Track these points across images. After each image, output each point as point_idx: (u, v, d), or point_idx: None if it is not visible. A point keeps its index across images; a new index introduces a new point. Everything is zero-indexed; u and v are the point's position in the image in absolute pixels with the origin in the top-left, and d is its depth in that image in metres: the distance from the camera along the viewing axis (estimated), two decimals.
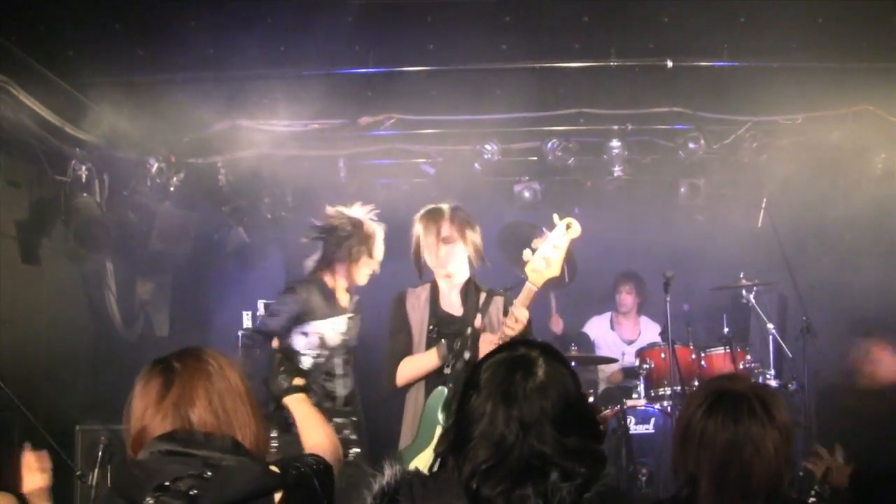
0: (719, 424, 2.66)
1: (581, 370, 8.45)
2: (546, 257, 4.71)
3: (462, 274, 5.34)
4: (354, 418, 6.01)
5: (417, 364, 5.24)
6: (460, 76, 7.43)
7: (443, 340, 5.16)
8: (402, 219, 8.83)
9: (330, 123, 8.20)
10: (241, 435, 2.69)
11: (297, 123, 8.10)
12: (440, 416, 5.00)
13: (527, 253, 4.82)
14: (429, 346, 5.26)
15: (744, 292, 8.30)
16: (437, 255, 5.30)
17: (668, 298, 7.70)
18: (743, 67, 7.24)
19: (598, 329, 9.37)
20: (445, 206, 5.50)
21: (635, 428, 7.76)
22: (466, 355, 5.09)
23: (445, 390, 5.06)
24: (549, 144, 8.50)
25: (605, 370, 9.00)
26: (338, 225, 6.03)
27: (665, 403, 7.87)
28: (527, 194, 9.19)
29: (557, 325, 9.19)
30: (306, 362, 5.88)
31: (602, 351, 9.07)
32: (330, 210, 6.15)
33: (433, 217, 5.43)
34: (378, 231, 6.10)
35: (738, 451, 2.62)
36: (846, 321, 9.07)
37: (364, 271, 6.01)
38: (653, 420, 7.80)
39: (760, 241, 9.16)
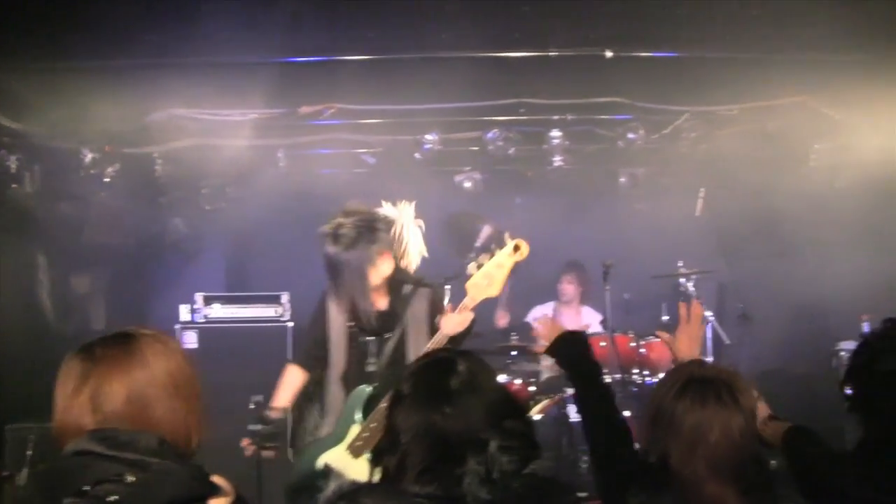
0: (687, 408, 2.73)
1: (522, 359, 8.47)
2: (489, 274, 4.86)
3: (384, 268, 5.26)
4: None
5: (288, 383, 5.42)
6: (401, 65, 7.38)
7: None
8: (341, 208, 8.85)
9: (269, 113, 8.11)
10: (169, 433, 2.46)
11: (236, 112, 8.01)
12: (357, 416, 4.97)
13: (471, 267, 4.98)
14: (348, 342, 5.27)
15: (683, 280, 8.36)
16: None
17: (608, 287, 7.76)
18: (682, 58, 7.28)
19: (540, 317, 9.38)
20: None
21: (575, 416, 7.77)
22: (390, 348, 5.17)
23: (368, 390, 5.05)
24: (490, 134, 8.49)
25: (547, 359, 9.01)
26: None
27: None
28: (468, 184, 9.19)
29: (504, 320, 9.21)
30: None
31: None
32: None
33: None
34: (405, 228, 5.73)
35: (704, 434, 2.70)
36: (783, 308, 9.20)
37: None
38: None
39: (699, 229, 9.26)
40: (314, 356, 5.45)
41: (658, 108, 8.25)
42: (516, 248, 4.87)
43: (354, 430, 4.91)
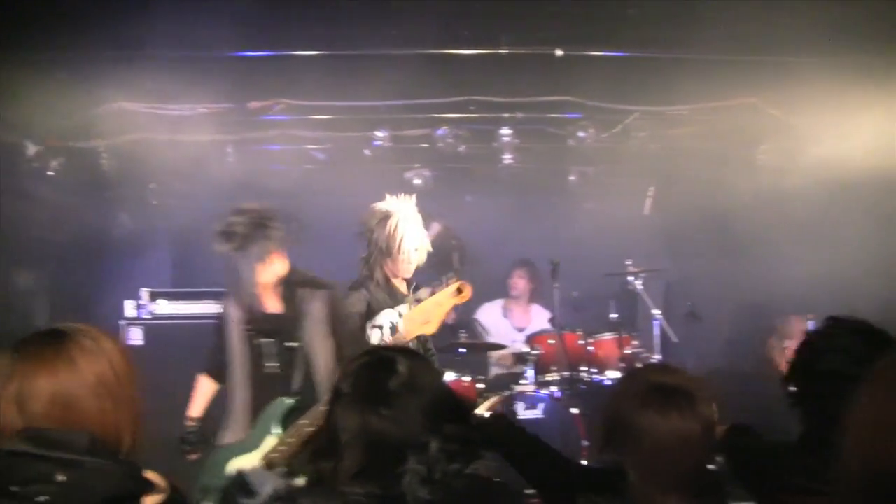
0: (649, 419, 2.71)
1: (471, 356, 8.48)
2: (427, 311, 4.89)
3: (278, 268, 5.22)
4: None
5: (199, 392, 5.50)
6: (351, 61, 7.35)
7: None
8: (294, 205, 8.80)
9: (218, 108, 8.02)
10: (99, 433, 2.40)
11: (185, 107, 7.92)
12: (275, 429, 4.93)
13: (410, 298, 5.21)
14: (245, 344, 5.23)
15: (631, 279, 8.40)
16: None
17: (557, 285, 7.80)
18: (632, 58, 7.32)
19: (490, 316, 9.37)
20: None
21: (524, 413, 7.77)
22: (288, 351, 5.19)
23: (288, 402, 5.02)
24: (440, 132, 8.48)
25: (496, 356, 9.02)
26: (366, 221, 5.92)
27: (553, 389, 7.93)
28: (418, 181, 9.17)
29: (450, 316, 9.18)
30: None
31: (493, 338, 9.08)
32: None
33: None
34: (401, 224, 5.82)
35: (665, 446, 2.69)
36: (730, 307, 9.27)
37: (403, 266, 5.81)
38: (541, 405, 7.83)
39: (648, 228, 9.30)
40: (218, 361, 5.41)
41: (608, 107, 8.27)
42: (459, 291, 4.89)
43: (270, 441, 4.87)
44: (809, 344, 3.24)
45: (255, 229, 5.06)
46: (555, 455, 3.38)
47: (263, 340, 5.18)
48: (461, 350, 8.20)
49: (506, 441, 3.53)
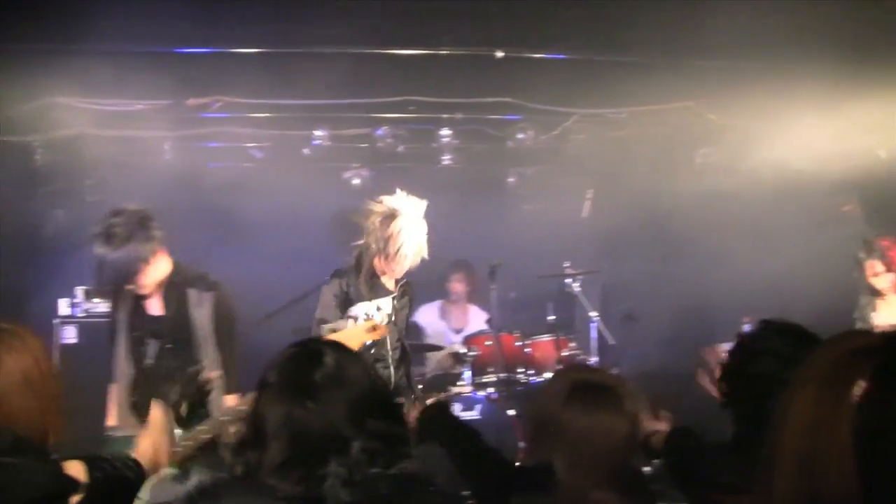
0: (573, 415, 2.75)
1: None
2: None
3: (161, 268, 5.17)
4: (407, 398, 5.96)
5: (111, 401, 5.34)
6: (291, 60, 7.31)
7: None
8: (230, 203, 8.74)
9: (156, 104, 7.93)
10: (24, 431, 2.41)
11: (122, 102, 7.81)
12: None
13: (326, 329, 5.18)
14: (131, 347, 5.17)
15: (569, 281, 8.44)
16: None
17: (495, 286, 7.80)
18: (571, 60, 7.36)
19: (428, 318, 9.37)
20: None
21: (461, 414, 7.78)
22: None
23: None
24: (379, 131, 8.48)
25: (434, 357, 9.03)
26: (369, 214, 5.91)
27: (490, 390, 7.93)
28: (356, 181, 9.16)
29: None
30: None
31: (431, 339, 9.08)
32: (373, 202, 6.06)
33: None
34: (405, 229, 5.84)
35: (590, 441, 2.72)
36: (667, 309, 9.36)
37: (397, 267, 5.87)
38: (478, 407, 7.84)
39: (586, 230, 9.35)
40: (116, 367, 5.34)
41: (547, 109, 8.31)
42: (374, 329, 4.99)
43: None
44: (741, 346, 3.28)
45: (135, 230, 4.98)
46: (494, 453, 3.40)
47: (149, 341, 5.10)
48: None
49: (446, 433, 3.55)
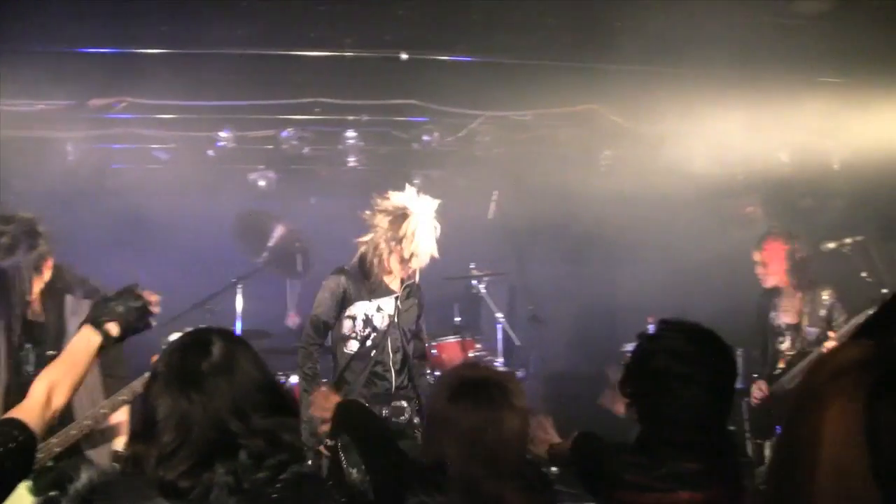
0: (462, 411, 2.78)
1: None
2: None
3: (47, 275, 4.94)
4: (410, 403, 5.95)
5: None
6: (195, 61, 7.23)
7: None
8: (134, 205, 8.61)
9: (57, 104, 7.77)
10: None
11: (22, 103, 7.63)
12: None
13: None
14: (9, 354, 4.87)
15: (475, 282, 8.47)
16: None
17: None
18: (477, 63, 7.40)
19: None
20: None
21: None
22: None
23: None
24: (285, 133, 8.43)
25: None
26: (380, 212, 6.02)
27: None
28: (262, 183, 9.10)
29: (294, 319, 9.12)
30: (353, 346, 5.96)
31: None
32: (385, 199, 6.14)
33: None
34: (420, 230, 5.90)
35: (479, 435, 2.75)
36: (573, 310, 9.46)
37: (406, 266, 5.95)
38: None
39: (492, 232, 9.40)
40: None
41: (453, 111, 8.34)
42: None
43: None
44: (641, 346, 3.34)
45: (24, 238, 4.73)
46: (399, 452, 3.40)
47: (27, 348, 4.89)
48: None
49: (357, 428, 3.55)
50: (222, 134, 8.32)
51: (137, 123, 8.34)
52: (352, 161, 8.76)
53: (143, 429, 2.38)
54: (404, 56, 7.19)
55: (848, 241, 6.98)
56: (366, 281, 5.94)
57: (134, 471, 2.36)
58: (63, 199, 8.22)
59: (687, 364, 3.08)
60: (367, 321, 5.95)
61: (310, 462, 7.09)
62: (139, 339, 5.32)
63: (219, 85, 7.60)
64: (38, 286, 4.84)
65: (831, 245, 7.05)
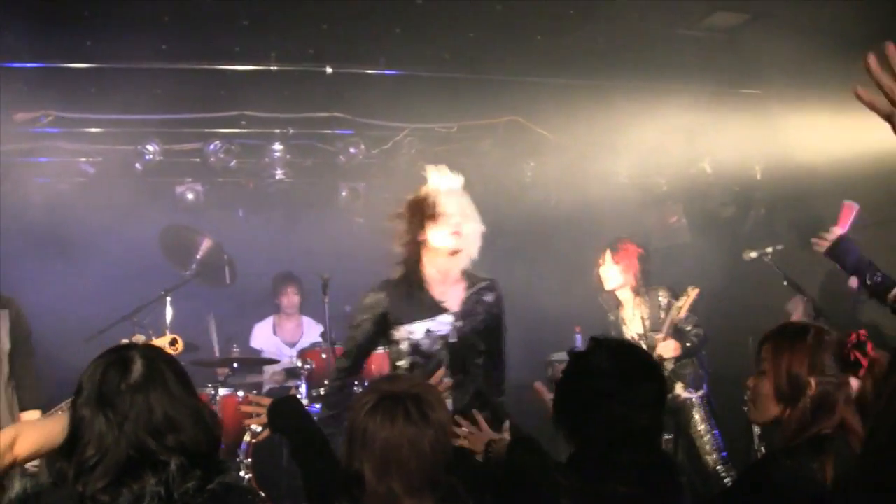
0: (378, 425, 2.76)
1: (245, 372, 8.48)
2: None
3: None
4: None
5: None
6: (121, 74, 7.22)
7: None
8: (60, 219, 8.56)
9: None
10: None
11: None
12: None
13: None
14: None
15: None
16: None
17: (327, 300, 7.84)
18: (400, 76, 7.49)
19: (262, 336, 9.35)
20: None
21: None
22: None
23: None
24: (212, 146, 8.43)
25: (269, 371, 9.01)
26: (399, 210, 5.08)
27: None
28: (189, 195, 9.07)
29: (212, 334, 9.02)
30: None
31: (267, 355, 9.05)
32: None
33: None
34: (445, 196, 4.95)
35: (395, 450, 2.74)
36: None
37: (446, 261, 4.92)
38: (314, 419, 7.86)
39: None
40: None
41: (378, 123, 8.43)
42: (173, 342, 4.70)
43: None
44: (570, 364, 3.38)
45: None
46: (329, 455, 3.44)
47: None
48: (234, 365, 8.18)
49: (291, 427, 3.59)
50: (149, 147, 8.29)
51: (63, 137, 8.28)
52: (278, 173, 8.78)
53: (66, 443, 2.43)
54: (329, 70, 7.27)
55: (769, 249, 7.09)
56: (411, 298, 4.91)
57: (62, 484, 2.41)
58: None
59: (614, 383, 3.12)
60: (415, 348, 4.86)
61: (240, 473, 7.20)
62: (64, 354, 5.37)
63: (145, 99, 7.59)
64: None
65: (753, 254, 7.14)
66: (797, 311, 6.75)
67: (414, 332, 4.85)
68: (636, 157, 9.15)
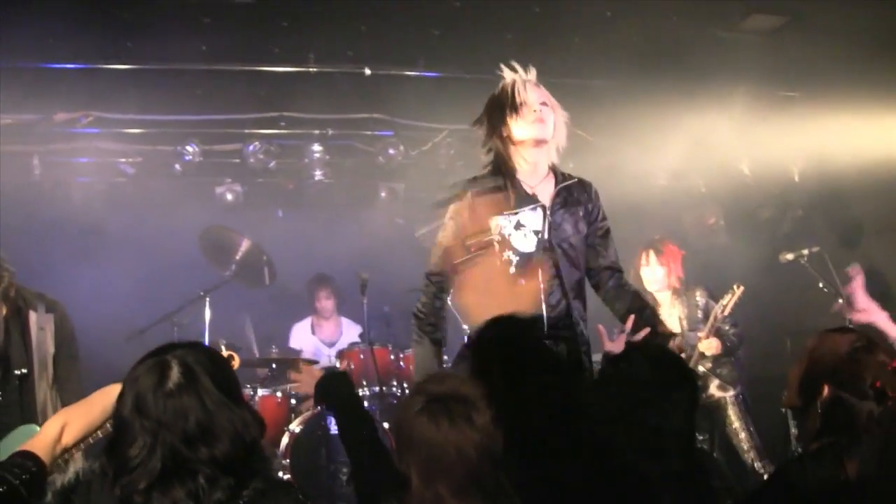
0: (424, 428, 2.74)
1: (284, 371, 8.52)
2: None
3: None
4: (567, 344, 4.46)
5: None
6: (161, 75, 7.30)
7: None
8: (99, 219, 8.63)
9: (23, 118, 7.79)
10: None
11: None
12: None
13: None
14: None
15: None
16: None
17: (366, 300, 7.84)
18: (438, 78, 7.50)
19: (300, 336, 9.36)
20: None
21: (336, 428, 7.81)
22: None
23: (34, 429, 4.60)
24: (251, 147, 8.48)
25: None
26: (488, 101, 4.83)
27: (365, 403, 7.94)
28: (229, 196, 9.13)
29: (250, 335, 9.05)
30: None
31: (305, 355, 9.07)
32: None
33: None
34: (519, 82, 4.72)
35: (441, 455, 2.72)
36: None
37: (534, 152, 4.61)
38: None
39: None
40: None
41: (417, 125, 8.46)
42: (230, 359, 4.68)
43: None
44: (603, 368, 3.35)
45: None
46: (376, 437, 3.42)
47: None
48: (273, 365, 8.21)
49: (339, 403, 3.58)
50: (188, 148, 8.36)
51: (103, 138, 8.36)
52: (317, 174, 8.83)
53: (109, 442, 2.47)
54: (367, 71, 7.30)
55: (805, 251, 7.04)
56: (500, 190, 4.56)
57: (105, 479, 2.44)
58: (29, 212, 8.25)
59: (651, 391, 3.10)
60: (507, 244, 4.50)
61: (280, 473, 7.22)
62: (104, 353, 5.40)
63: (184, 99, 7.68)
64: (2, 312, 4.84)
65: (789, 256, 7.10)
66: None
67: (504, 226, 4.51)
68: (675, 159, 9.12)
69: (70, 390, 5.09)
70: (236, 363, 4.77)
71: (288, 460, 7.33)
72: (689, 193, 9.81)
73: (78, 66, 7.13)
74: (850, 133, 7.90)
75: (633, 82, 7.84)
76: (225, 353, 4.81)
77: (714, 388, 7.04)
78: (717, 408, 7.05)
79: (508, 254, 4.48)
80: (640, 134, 8.69)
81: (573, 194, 4.69)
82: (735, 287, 6.83)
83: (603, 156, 8.97)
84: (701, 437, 6.97)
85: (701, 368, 6.92)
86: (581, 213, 4.69)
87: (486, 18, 6.67)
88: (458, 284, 4.70)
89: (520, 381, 3.24)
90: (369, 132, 8.69)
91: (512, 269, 4.45)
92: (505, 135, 4.63)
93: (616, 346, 4.13)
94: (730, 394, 7.01)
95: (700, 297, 7.11)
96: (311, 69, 7.29)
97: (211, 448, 2.41)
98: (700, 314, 7.04)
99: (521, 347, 3.39)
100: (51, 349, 5.04)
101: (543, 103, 4.67)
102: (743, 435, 6.95)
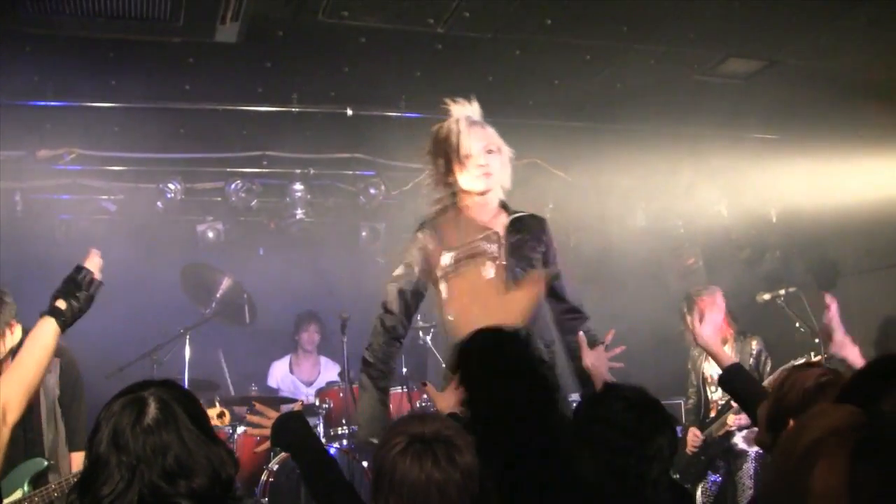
0: (406, 468, 2.72)
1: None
2: None
3: (16, 338, 4.78)
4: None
5: None
6: (144, 113, 7.31)
7: None
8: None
9: (5, 155, 7.80)
10: None
11: None
12: (25, 486, 4.67)
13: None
14: None
15: (420, 333, 8.54)
16: None
17: (346, 339, 7.85)
18: (420, 118, 7.54)
19: (278, 374, 9.37)
20: None
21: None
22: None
23: (44, 463, 4.70)
24: (233, 185, 8.52)
25: (286, 410, 8.98)
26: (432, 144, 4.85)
27: (344, 442, 7.94)
28: (210, 234, 9.14)
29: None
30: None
31: (283, 394, 9.06)
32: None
33: None
34: (464, 124, 4.73)
35: (423, 493, 2.71)
36: None
37: (481, 198, 4.72)
38: None
39: None
40: None
41: (398, 165, 8.50)
42: (220, 415, 4.76)
43: (16, 495, 4.62)
44: (583, 409, 3.36)
45: None
46: (339, 475, 3.42)
47: None
48: (252, 404, 8.19)
49: (295, 443, 3.58)
50: (171, 185, 8.38)
51: (85, 175, 8.37)
52: (299, 213, 8.85)
53: (82, 480, 2.46)
54: (349, 112, 7.36)
55: (782, 292, 7.10)
56: (457, 223, 4.67)
57: None
58: (11, 248, 8.25)
59: (630, 438, 3.09)
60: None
61: None
62: (85, 392, 5.39)
63: (167, 137, 7.70)
64: (5, 348, 4.84)
65: (766, 296, 7.17)
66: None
67: (459, 257, 4.61)
68: (654, 200, 9.20)
69: (76, 429, 5.09)
70: (227, 419, 4.80)
71: (266, 499, 7.30)
72: (669, 234, 9.89)
73: (62, 103, 7.13)
74: (827, 175, 7.99)
75: (613, 124, 7.92)
76: (217, 409, 4.83)
77: (739, 439, 7.09)
78: (739, 457, 7.09)
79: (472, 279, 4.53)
80: (619, 175, 8.77)
81: (525, 223, 4.81)
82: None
83: (582, 197, 9.05)
84: (713, 478, 7.24)
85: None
86: (536, 244, 4.78)
87: (468, 60, 6.72)
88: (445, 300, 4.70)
89: (503, 388, 3.28)
90: (351, 172, 8.73)
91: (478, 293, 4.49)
92: (451, 181, 4.72)
93: (594, 358, 4.18)
94: (753, 450, 7.01)
95: (755, 346, 7.15)
96: (293, 109, 7.32)
97: (190, 484, 2.41)
98: (752, 362, 7.05)
99: (505, 355, 3.43)
100: (55, 392, 5.04)
101: (489, 150, 4.73)
102: (750, 493, 6.94)
